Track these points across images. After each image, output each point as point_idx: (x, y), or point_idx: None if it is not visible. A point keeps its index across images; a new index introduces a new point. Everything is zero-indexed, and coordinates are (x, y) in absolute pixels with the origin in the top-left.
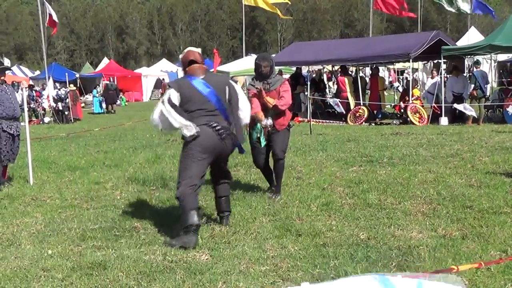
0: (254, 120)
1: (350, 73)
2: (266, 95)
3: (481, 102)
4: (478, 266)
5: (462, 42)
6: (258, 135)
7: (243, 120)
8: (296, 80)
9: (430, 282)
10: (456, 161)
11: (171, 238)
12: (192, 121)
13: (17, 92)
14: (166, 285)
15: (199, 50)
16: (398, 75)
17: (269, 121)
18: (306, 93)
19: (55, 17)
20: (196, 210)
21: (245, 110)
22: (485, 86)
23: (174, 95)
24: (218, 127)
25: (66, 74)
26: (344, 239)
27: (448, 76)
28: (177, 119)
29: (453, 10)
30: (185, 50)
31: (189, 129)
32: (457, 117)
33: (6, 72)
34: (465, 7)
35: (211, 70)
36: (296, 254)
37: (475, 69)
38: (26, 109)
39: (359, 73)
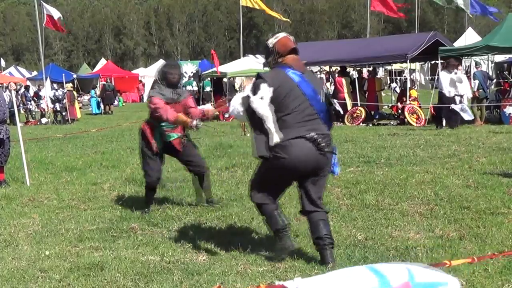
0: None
1: (349, 74)
2: (173, 106)
3: (482, 102)
4: (470, 261)
5: (460, 43)
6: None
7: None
8: None
9: (419, 268)
10: (453, 162)
11: (273, 252)
12: (285, 130)
13: (4, 92)
14: (163, 286)
15: (292, 37)
16: (395, 76)
17: (199, 121)
18: None
19: (56, 16)
20: (277, 212)
21: None
22: (487, 86)
23: (266, 91)
24: (319, 140)
25: (63, 74)
26: (341, 239)
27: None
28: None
29: (451, 7)
30: (278, 35)
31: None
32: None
33: (3, 73)
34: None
35: (210, 71)
36: (294, 254)
37: (476, 70)
38: (16, 110)
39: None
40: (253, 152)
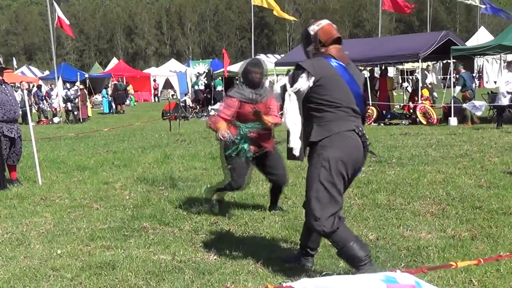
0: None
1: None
2: (254, 106)
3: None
4: (476, 263)
5: (472, 42)
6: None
7: None
8: None
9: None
10: (465, 162)
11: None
12: (335, 122)
13: (16, 92)
14: (174, 285)
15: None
16: (407, 75)
17: (231, 136)
18: None
19: (65, 20)
20: (355, 239)
21: None
22: (472, 87)
23: (304, 83)
24: (364, 138)
25: (78, 73)
26: None
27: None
28: (290, 124)
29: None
30: (321, 22)
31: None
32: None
33: (15, 72)
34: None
35: (221, 70)
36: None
37: (462, 71)
38: (28, 109)
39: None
40: (288, 154)
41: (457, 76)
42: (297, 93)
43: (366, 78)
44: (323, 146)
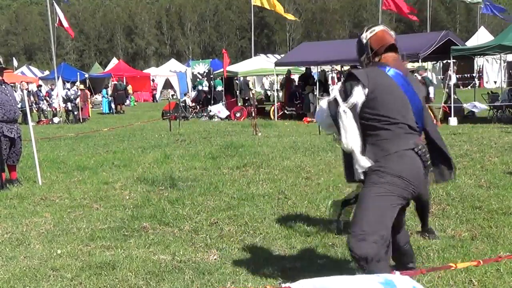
0: None
1: None
2: None
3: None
4: (476, 264)
5: (472, 42)
6: None
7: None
8: (305, 81)
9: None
10: (465, 162)
11: None
12: (391, 141)
13: (15, 92)
14: (175, 285)
15: (392, 32)
16: None
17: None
18: (315, 93)
19: (64, 21)
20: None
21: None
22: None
23: (360, 95)
24: (424, 157)
25: (78, 74)
26: None
27: None
28: (352, 143)
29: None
30: (375, 28)
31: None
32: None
33: (15, 72)
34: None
35: (221, 70)
36: (305, 255)
37: (423, 74)
38: (28, 109)
39: None
40: (346, 175)
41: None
42: (353, 108)
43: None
44: (379, 167)
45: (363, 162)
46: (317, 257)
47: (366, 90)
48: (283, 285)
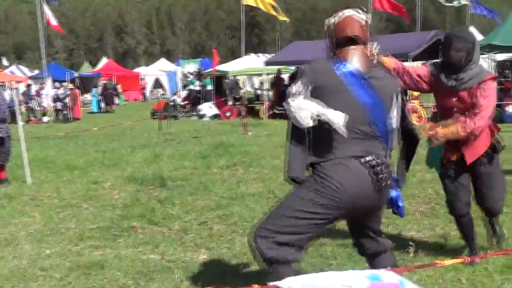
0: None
1: None
2: (448, 99)
3: None
4: (462, 261)
5: None
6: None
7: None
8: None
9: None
10: None
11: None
12: (331, 149)
13: (5, 91)
14: (164, 285)
15: (363, 17)
16: None
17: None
18: None
19: (53, 21)
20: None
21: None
22: None
23: (299, 87)
24: (378, 168)
25: (67, 73)
26: (340, 238)
27: None
28: (311, 107)
29: (453, 4)
30: (344, 12)
31: (335, 116)
32: None
33: (4, 71)
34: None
35: (210, 70)
36: None
37: None
38: (17, 109)
39: None
40: (285, 173)
41: None
42: (296, 102)
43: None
44: (317, 172)
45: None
46: (306, 257)
47: (311, 86)
48: (270, 283)
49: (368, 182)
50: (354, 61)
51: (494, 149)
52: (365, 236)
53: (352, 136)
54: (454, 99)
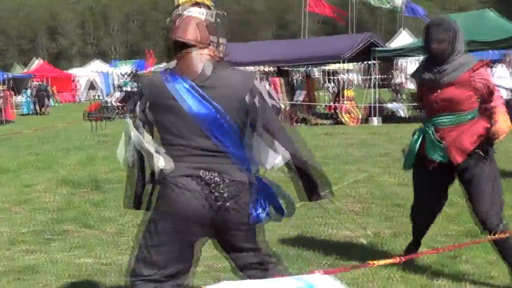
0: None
1: (287, 74)
2: (429, 91)
3: None
4: (397, 261)
5: (394, 44)
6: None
7: (282, 161)
8: None
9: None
10: (387, 161)
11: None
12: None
13: None
14: None
15: (204, 15)
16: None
17: None
18: None
19: None
20: None
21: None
22: None
23: (136, 101)
24: (214, 184)
25: (0, 74)
26: (276, 238)
27: None
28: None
29: (387, 7)
30: (189, 10)
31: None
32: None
33: None
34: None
35: (145, 72)
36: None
37: None
38: None
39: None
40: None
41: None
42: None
43: (293, 79)
44: (157, 196)
45: (160, 163)
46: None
47: (148, 104)
48: (204, 287)
49: (200, 198)
50: (184, 69)
51: (484, 151)
52: (236, 251)
53: (190, 153)
54: (435, 94)
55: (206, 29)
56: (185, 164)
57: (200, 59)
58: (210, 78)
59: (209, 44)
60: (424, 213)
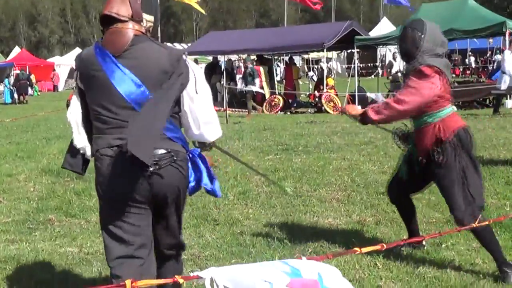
0: None
1: (269, 62)
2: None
3: None
4: (380, 248)
5: (375, 32)
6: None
7: (203, 137)
8: (212, 70)
9: (329, 275)
10: (369, 149)
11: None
12: (96, 139)
13: None
14: (82, 277)
15: None
16: (312, 64)
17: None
18: (222, 82)
19: None
20: None
21: (210, 121)
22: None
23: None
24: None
25: None
26: (260, 226)
27: None
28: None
29: None
30: None
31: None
32: None
33: None
34: None
35: None
36: (214, 243)
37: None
38: None
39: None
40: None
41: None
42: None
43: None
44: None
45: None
46: (226, 245)
47: (78, 74)
48: (192, 274)
49: (127, 171)
50: (107, 41)
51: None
52: (159, 232)
53: (115, 125)
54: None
55: (129, 5)
56: (111, 136)
57: (118, 32)
58: (128, 50)
59: (132, 19)
60: (398, 189)
